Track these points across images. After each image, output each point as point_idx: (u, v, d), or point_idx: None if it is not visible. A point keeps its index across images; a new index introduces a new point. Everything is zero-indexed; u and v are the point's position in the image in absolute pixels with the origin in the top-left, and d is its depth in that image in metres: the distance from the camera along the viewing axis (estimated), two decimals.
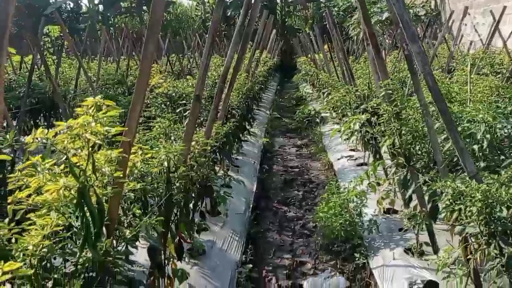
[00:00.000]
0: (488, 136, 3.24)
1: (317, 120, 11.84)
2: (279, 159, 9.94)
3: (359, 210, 5.50)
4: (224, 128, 5.82)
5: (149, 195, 3.25)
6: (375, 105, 4.93)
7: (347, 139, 7.80)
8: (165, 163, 3.21)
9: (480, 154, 3.33)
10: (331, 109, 10.52)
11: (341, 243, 5.33)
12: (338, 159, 8.59)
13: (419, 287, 4.19)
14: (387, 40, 16.31)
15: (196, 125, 5.53)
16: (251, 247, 5.48)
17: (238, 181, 6.84)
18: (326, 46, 11.87)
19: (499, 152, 3.36)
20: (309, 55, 17.72)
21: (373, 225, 5.29)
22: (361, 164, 7.76)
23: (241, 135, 8.70)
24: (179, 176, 3.35)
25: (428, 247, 4.61)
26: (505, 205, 2.36)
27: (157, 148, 3.45)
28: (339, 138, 8.76)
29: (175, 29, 30.91)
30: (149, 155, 2.86)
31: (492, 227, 2.44)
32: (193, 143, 3.65)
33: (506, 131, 3.47)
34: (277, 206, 7.16)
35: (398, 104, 4.30)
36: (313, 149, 10.28)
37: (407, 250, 4.78)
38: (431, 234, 4.46)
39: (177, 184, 3.35)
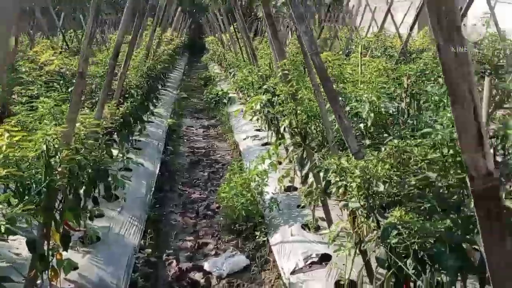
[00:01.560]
0: (372, 115, 3.41)
1: (225, 100, 11.81)
2: (185, 140, 9.78)
3: (260, 189, 5.59)
4: (121, 109, 5.53)
5: (28, 182, 2.98)
6: (272, 85, 4.98)
7: (251, 119, 7.88)
8: (44, 146, 2.94)
9: (366, 132, 3.51)
10: (237, 89, 10.55)
11: (242, 223, 5.38)
12: (244, 139, 8.65)
13: (314, 260, 4.38)
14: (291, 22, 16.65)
15: (91, 106, 5.20)
16: (152, 231, 5.32)
17: (139, 163, 6.59)
18: (232, 27, 11.80)
19: (383, 130, 3.55)
20: (217, 35, 17.55)
21: (274, 203, 5.41)
22: (266, 144, 7.89)
23: (144, 116, 8.38)
24: (62, 160, 3.09)
25: (323, 222, 4.82)
26: (381, 180, 2.49)
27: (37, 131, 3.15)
28: (243, 119, 8.84)
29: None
30: (17, 138, 2.58)
31: (370, 201, 2.57)
32: (78, 124, 3.39)
33: (391, 110, 3.69)
34: (181, 188, 7.04)
35: (294, 84, 4.38)
36: (221, 130, 10.25)
37: (304, 226, 4.96)
38: (326, 210, 4.65)
39: (59, 169, 3.09)
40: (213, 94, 12.25)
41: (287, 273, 4.35)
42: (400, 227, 2.34)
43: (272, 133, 7.26)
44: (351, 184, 2.53)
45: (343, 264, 3.68)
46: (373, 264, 3.15)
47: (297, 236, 4.81)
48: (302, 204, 4.99)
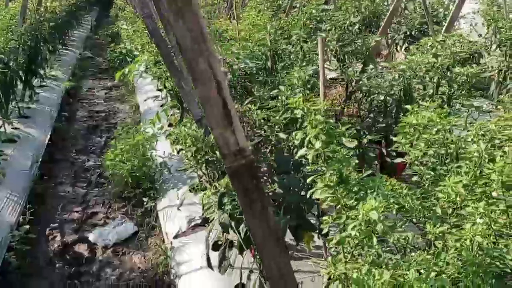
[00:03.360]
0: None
1: (129, 59, 11.22)
2: (85, 104, 9.27)
3: (149, 153, 5.45)
4: None
5: None
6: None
7: (152, 79, 7.57)
8: None
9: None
10: (140, 47, 10.04)
11: (131, 189, 5.25)
12: (145, 100, 8.35)
13: (197, 223, 4.40)
14: None
15: None
16: (35, 206, 5.05)
17: (25, 133, 6.16)
18: None
19: (245, 91, 3.51)
20: None
21: (164, 167, 5.31)
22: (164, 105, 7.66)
23: (32, 81, 7.79)
24: None
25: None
26: (215, 148, 2.46)
27: None
28: (148, 78, 8.47)
29: None
30: None
31: (210, 167, 2.54)
32: None
33: (254, 69, 3.63)
34: (74, 157, 6.71)
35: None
36: (124, 91, 9.80)
37: (192, 189, 4.93)
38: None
39: None
40: (117, 53, 11.59)
41: (170, 237, 4.35)
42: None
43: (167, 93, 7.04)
44: (187, 154, 2.48)
45: None
46: None
47: (184, 200, 4.79)
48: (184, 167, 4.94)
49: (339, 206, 1.57)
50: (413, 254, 1.84)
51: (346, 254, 1.66)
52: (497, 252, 1.60)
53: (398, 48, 8.64)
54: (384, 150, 3.66)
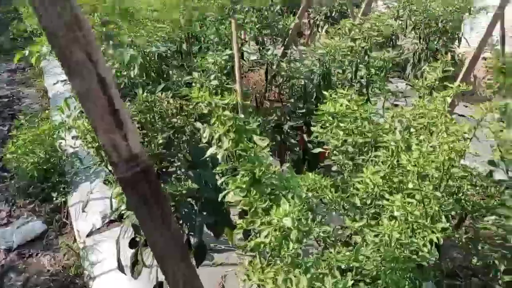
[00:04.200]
0: (139, 61, 3.06)
1: (35, 38, 10.28)
2: None
3: (57, 144, 5.00)
4: None
5: None
6: None
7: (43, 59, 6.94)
8: None
9: (129, 81, 3.16)
10: None
11: (39, 184, 4.79)
12: (54, 84, 7.67)
13: (113, 219, 4.11)
14: None
15: None
16: None
17: None
18: None
19: (157, 77, 3.25)
20: None
21: (76, 158, 4.91)
22: None
23: None
24: None
25: None
26: None
27: None
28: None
29: None
30: None
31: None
32: None
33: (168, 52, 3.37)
34: None
35: None
36: (29, 73, 8.97)
37: (106, 181, 4.60)
38: None
39: None
40: (21, 30, 10.56)
41: (83, 236, 4.02)
42: None
43: None
44: (89, 150, 2.21)
45: None
46: None
47: (98, 193, 4.45)
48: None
49: (253, 209, 1.43)
50: (332, 250, 1.77)
51: (262, 259, 1.53)
52: (414, 246, 1.57)
53: (320, 29, 8.71)
54: (305, 136, 3.60)
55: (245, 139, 1.46)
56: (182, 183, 2.21)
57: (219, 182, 1.54)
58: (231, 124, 1.42)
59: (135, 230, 2.43)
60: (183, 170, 2.49)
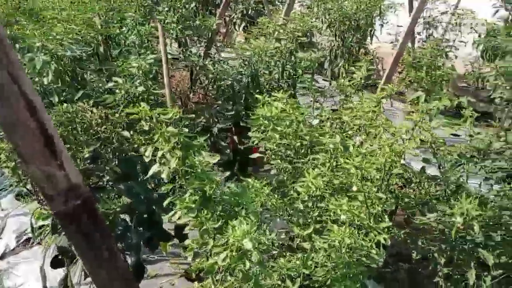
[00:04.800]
0: (53, 66, 2.79)
1: None
2: None
3: None
4: None
5: None
6: None
7: None
8: None
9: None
10: None
11: None
12: None
13: (30, 236, 3.76)
14: None
15: None
16: None
17: None
18: None
19: (74, 83, 2.99)
20: None
21: None
22: None
23: None
24: None
25: None
26: None
27: None
28: None
29: None
30: None
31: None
32: None
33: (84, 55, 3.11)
34: None
35: None
36: None
37: (19, 196, 4.19)
38: None
39: None
40: None
41: None
42: None
43: None
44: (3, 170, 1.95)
45: None
46: None
47: (9, 210, 4.05)
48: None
49: (203, 229, 1.34)
50: (282, 260, 1.74)
51: (214, 278, 1.45)
52: (364, 250, 1.58)
53: (236, 27, 8.68)
54: (235, 138, 3.55)
55: (192, 155, 1.36)
56: (114, 199, 2.05)
57: (165, 203, 1.43)
58: (176, 140, 1.31)
59: (62, 253, 2.22)
60: (111, 183, 2.31)
